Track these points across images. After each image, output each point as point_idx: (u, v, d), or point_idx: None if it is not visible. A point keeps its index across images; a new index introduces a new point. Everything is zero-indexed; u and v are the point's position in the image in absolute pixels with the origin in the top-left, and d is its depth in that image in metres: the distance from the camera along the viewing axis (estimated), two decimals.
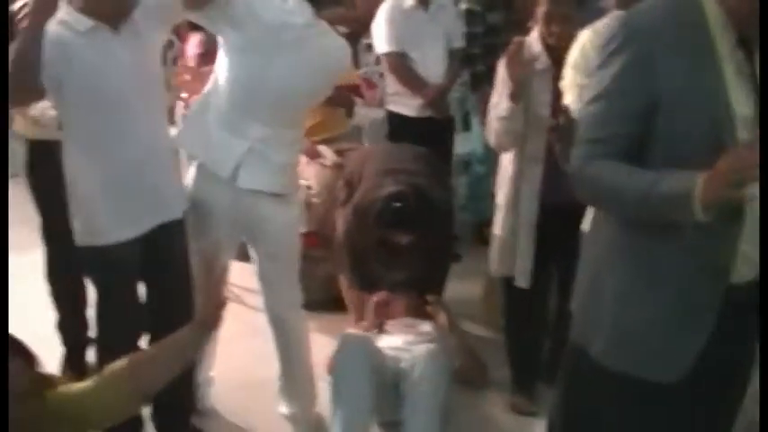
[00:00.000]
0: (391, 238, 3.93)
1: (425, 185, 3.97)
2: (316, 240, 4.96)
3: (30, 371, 2.39)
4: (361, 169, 4.30)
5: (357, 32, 6.15)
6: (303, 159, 5.17)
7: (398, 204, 3.83)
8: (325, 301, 4.85)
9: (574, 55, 3.40)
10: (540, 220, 3.81)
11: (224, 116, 3.45)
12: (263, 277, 3.72)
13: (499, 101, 3.72)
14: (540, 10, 3.69)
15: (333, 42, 3.62)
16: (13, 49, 2.88)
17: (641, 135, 2.17)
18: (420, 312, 4.01)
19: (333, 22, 5.76)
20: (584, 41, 3.37)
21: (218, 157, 3.48)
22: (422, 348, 3.61)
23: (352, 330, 3.96)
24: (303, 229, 5.26)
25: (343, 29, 6.01)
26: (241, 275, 4.26)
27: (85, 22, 3.07)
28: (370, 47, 6.44)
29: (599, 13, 4.41)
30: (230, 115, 3.45)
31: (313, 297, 4.73)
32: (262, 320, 3.86)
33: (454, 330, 3.92)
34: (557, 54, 3.66)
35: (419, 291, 4.06)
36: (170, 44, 5.68)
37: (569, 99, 3.33)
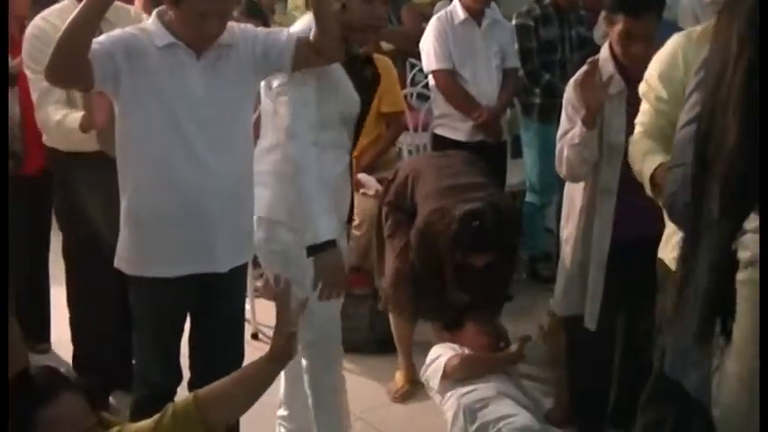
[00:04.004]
0: (467, 261, 4.10)
1: (496, 199, 4.17)
2: (358, 277, 5.13)
3: (89, 410, 2.54)
4: (410, 191, 4.45)
5: (404, 50, 6.33)
6: None
7: (477, 224, 4.01)
8: (368, 343, 5.00)
9: (663, 64, 3.30)
10: (610, 256, 3.91)
11: None
12: None
13: (570, 126, 3.85)
14: (617, 28, 3.79)
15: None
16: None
17: None
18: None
19: (378, 39, 6.02)
20: (672, 46, 3.28)
21: None
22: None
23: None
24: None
25: (388, 46, 6.22)
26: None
27: (166, 38, 3.22)
28: (414, 66, 6.63)
29: (669, 27, 4.52)
30: None
31: (355, 338, 4.92)
32: None
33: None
34: (632, 75, 3.75)
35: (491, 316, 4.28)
36: None
37: (644, 108, 3.37)
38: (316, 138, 3.45)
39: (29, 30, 4.06)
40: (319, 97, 3.47)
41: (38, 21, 4.05)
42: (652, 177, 3.07)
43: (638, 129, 3.33)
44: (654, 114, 3.27)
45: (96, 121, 3.79)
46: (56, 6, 4.10)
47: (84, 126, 3.83)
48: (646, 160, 3.13)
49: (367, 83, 3.74)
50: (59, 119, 3.98)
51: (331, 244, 3.40)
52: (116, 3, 3.67)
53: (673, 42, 3.29)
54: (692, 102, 2.44)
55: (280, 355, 2.77)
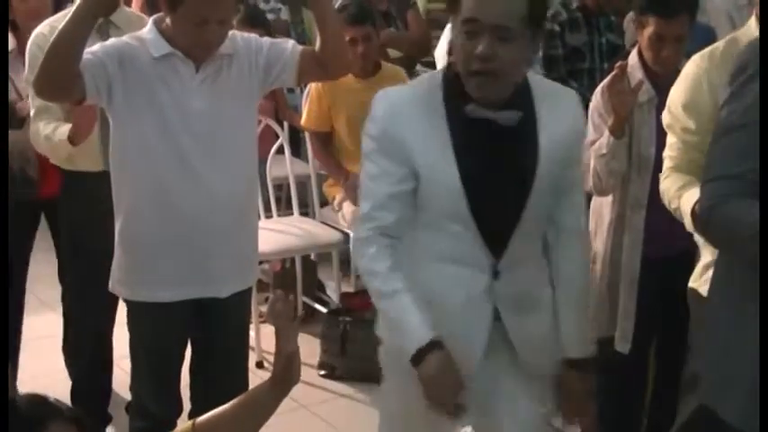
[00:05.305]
0: None
1: None
2: (366, 300, 4.99)
3: None
4: None
5: (412, 55, 6.27)
6: (346, 204, 5.27)
7: None
8: (381, 371, 4.88)
9: (687, 92, 3.18)
10: (641, 273, 3.85)
11: None
12: None
13: (597, 136, 3.77)
14: (647, 31, 3.72)
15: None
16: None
17: None
18: None
19: (385, 45, 5.97)
20: (695, 71, 3.17)
21: None
22: None
23: None
24: (352, 289, 5.37)
25: (396, 52, 6.16)
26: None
27: (163, 48, 3.14)
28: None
29: (701, 30, 4.41)
30: None
31: (366, 366, 4.77)
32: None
33: None
34: (662, 82, 3.70)
35: None
36: None
37: (671, 141, 3.29)
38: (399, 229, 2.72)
39: (32, 38, 3.87)
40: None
41: (42, 27, 3.87)
42: (693, 212, 2.95)
43: (666, 164, 3.26)
44: (682, 148, 3.19)
45: (82, 130, 3.65)
46: (63, 12, 3.88)
47: (72, 138, 3.71)
48: (683, 196, 3.07)
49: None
50: (48, 133, 3.84)
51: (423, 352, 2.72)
52: (128, 9, 3.65)
53: (694, 67, 3.18)
54: (728, 111, 2.36)
55: (281, 380, 2.69)
